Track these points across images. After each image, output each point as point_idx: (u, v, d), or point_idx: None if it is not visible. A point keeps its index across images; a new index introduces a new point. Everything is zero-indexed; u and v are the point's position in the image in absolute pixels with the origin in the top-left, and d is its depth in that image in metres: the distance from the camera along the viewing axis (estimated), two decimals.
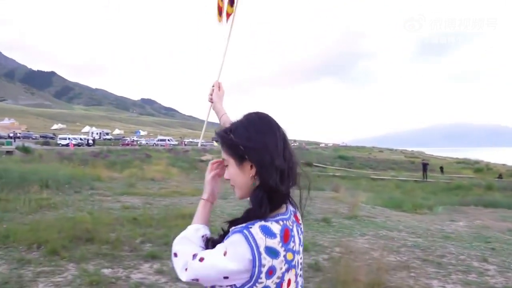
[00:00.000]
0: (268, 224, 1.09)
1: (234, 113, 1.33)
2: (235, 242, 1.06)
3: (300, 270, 1.22)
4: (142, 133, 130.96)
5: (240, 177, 1.17)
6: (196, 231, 1.22)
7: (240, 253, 1.04)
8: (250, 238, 1.05)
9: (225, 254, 1.06)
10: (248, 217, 1.12)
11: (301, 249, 1.21)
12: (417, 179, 30.04)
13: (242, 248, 1.05)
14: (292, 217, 1.19)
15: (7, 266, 4.70)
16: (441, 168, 41.50)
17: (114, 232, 6.34)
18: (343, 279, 4.63)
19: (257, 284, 1.06)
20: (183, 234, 1.22)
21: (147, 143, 68.69)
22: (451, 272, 5.35)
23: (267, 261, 1.05)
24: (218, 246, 1.10)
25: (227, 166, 1.20)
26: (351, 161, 64.98)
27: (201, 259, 1.10)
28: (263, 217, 1.10)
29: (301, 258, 1.22)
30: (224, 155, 1.20)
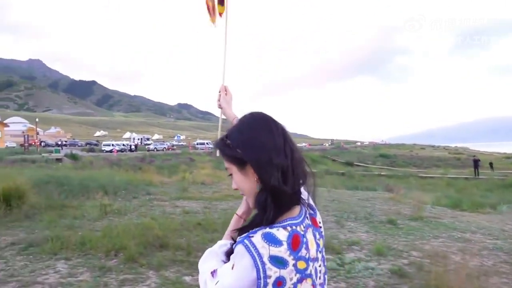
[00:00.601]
0: (273, 231, 1.01)
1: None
2: (239, 254, 1.00)
3: (321, 278, 1.12)
4: (182, 137, 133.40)
5: (245, 183, 1.10)
6: (220, 247, 1.17)
7: (244, 265, 0.98)
8: (251, 248, 0.98)
9: (233, 267, 1.01)
10: (254, 223, 1.06)
11: (319, 255, 1.11)
12: (468, 176, 28.82)
13: (245, 259, 0.98)
14: (307, 221, 1.10)
15: (90, 273, 4.74)
16: (491, 164, 39.59)
17: (183, 238, 6.33)
18: (435, 287, 4.36)
19: None
20: (207, 251, 1.18)
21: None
22: None
23: (273, 271, 0.97)
24: (230, 259, 1.04)
25: (231, 175, 1.14)
26: (393, 159, 63.45)
27: (214, 274, 1.06)
28: (270, 222, 1.03)
29: (320, 266, 1.11)
30: (226, 164, 1.14)
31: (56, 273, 4.72)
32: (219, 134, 1.85)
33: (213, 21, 1.99)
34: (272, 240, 0.99)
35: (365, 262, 5.47)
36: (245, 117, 1.17)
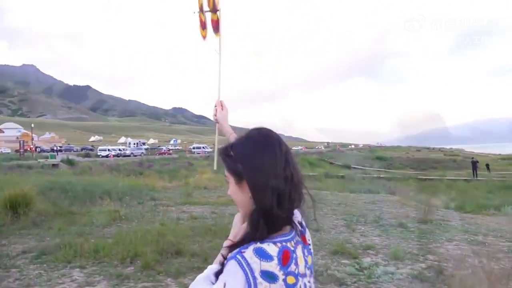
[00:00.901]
0: (264, 246, 1.03)
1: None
2: (230, 270, 1.01)
3: None
4: (178, 141, 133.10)
5: (239, 195, 1.13)
6: (210, 269, 1.16)
7: (236, 282, 0.99)
8: (243, 263, 1.00)
9: (224, 286, 1.01)
10: (245, 240, 1.06)
11: (308, 272, 1.13)
12: (467, 178, 28.91)
13: (237, 275, 0.99)
14: (297, 238, 1.13)
15: (107, 282, 4.66)
16: (487, 165, 39.77)
17: (196, 244, 6.25)
18: None
19: None
20: (199, 276, 1.17)
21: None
22: None
23: (263, 286, 0.99)
24: (220, 278, 1.04)
25: (228, 182, 1.17)
26: (390, 162, 63.66)
27: None
28: (261, 239, 1.04)
29: (310, 282, 1.14)
30: (225, 172, 1.16)
31: (72, 282, 4.64)
32: (216, 147, 1.88)
33: (204, 35, 2.03)
34: (263, 255, 1.01)
35: (383, 267, 5.42)
36: (251, 132, 1.17)
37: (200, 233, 6.90)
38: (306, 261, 1.13)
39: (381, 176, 30.19)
